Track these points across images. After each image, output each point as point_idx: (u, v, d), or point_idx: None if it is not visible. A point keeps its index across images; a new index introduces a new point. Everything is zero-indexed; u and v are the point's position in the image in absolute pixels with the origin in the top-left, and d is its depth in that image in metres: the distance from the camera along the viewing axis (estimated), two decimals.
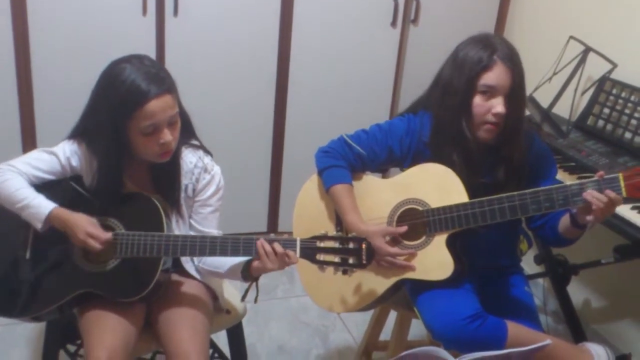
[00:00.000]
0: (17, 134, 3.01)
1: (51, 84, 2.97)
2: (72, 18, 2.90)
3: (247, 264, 1.82)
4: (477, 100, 1.88)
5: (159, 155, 1.80)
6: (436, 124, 1.98)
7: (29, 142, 3.02)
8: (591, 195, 1.73)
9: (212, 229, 1.96)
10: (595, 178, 1.76)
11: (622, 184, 1.73)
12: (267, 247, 1.73)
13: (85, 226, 1.75)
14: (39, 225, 1.77)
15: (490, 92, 1.86)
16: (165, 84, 1.74)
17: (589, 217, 1.76)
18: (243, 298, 1.94)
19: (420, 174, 2.00)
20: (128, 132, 1.75)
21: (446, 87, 1.95)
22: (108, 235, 1.77)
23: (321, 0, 3.21)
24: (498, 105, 1.86)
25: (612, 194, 1.72)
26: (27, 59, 2.91)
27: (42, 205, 1.76)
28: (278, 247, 1.73)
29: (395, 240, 1.97)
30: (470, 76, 1.87)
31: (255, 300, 1.85)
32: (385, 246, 1.93)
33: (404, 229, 1.95)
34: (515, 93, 1.87)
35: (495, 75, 1.85)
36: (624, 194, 1.73)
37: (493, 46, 1.87)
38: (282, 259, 1.73)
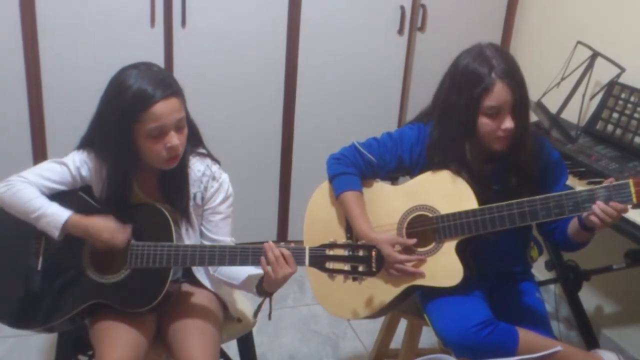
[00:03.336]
0: (28, 145, 3.03)
1: (61, 95, 2.99)
2: (82, 30, 2.92)
3: (262, 279, 1.82)
4: (484, 120, 1.87)
5: (166, 160, 1.80)
6: (437, 143, 1.98)
7: (39, 153, 3.04)
8: (598, 211, 1.74)
9: (225, 236, 1.96)
10: (605, 184, 1.76)
11: (632, 189, 1.72)
12: (276, 251, 1.74)
13: (107, 225, 1.77)
14: (56, 234, 1.77)
15: (495, 111, 1.85)
16: (171, 88, 1.76)
17: (597, 224, 1.76)
18: (256, 314, 1.93)
19: (429, 180, 2.00)
20: (135, 136, 1.76)
21: (447, 108, 1.94)
22: (128, 229, 1.79)
23: (328, 8, 3.22)
24: (506, 122, 1.85)
25: (619, 206, 1.73)
26: (37, 71, 2.93)
27: (58, 214, 1.77)
28: (284, 250, 1.74)
29: (405, 247, 1.97)
30: (472, 100, 1.85)
31: (269, 317, 1.85)
32: (394, 254, 1.93)
33: (413, 241, 1.95)
34: (519, 105, 1.85)
35: (497, 96, 1.83)
36: (634, 200, 1.72)
37: (489, 64, 1.84)
38: (291, 259, 1.74)
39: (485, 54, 1.87)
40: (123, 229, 1.79)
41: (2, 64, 2.88)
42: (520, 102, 1.85)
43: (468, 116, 1.88)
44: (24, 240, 1.86)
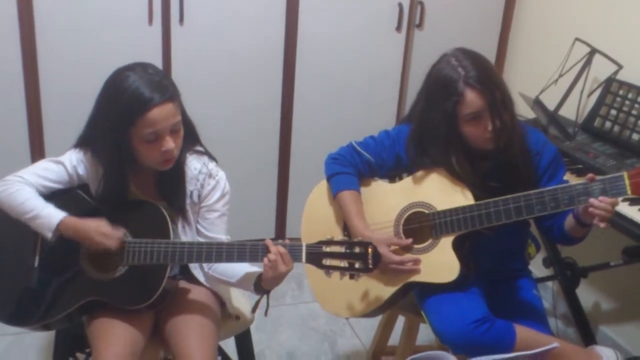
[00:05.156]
0: (26, 143, 3.04)
1: (59, 93, 2.99)
2: (79, 28, 2.92)
3: (260, 276, 1.83)
4: (468, 127, 1.88)
5: (161, 163, 1.81)
6: (422, 157, 2.00)
7: (37, 151, 3.04)
8: (594, 208, 1.74)
9: (220, 234, 1.96)
10: (600, 177, 1.76)
11: (627, 182, 1.73)
12: (275, 249, 1.74)
13: (99, 227, 1.77)
14: (49, 235, 1.78)
15: (474, 117, 1.86)
16: (168, 91, 1.75)
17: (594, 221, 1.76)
18: (254, 310, 1.94)
19: (426, 177, 2.00)
20: (130, 139, 1.76)
21: (427, 126, 1.96)
22: (121, 232, 1.79)
23: (326, 6, 3.22)
24: (488, 124, 1.85)
25: (608, 200, 1.73)
26: (35, 69, 2.93)
27: (52, 215, 1.77)
28: (281, 248, 1.74)
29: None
30: (447, 113, 1.86)
31: (266, 314, 1.86)
32: (390, 254, 1.93)
33: (408, 241, 1.96)
34: (496, 106, 1.84)
35: (470, 103, 1.83)
36: (629, 192, 1.73)
37: (456, 73, 1.84)
38: (287, 257, 1.75)
39: (451, 64, 1.88)
40: (115, 232, 1.78)
41: None
42: (495, 103, 1.84)
43: (448, 129, 1.89)
44: (21, 237, 1.86)
